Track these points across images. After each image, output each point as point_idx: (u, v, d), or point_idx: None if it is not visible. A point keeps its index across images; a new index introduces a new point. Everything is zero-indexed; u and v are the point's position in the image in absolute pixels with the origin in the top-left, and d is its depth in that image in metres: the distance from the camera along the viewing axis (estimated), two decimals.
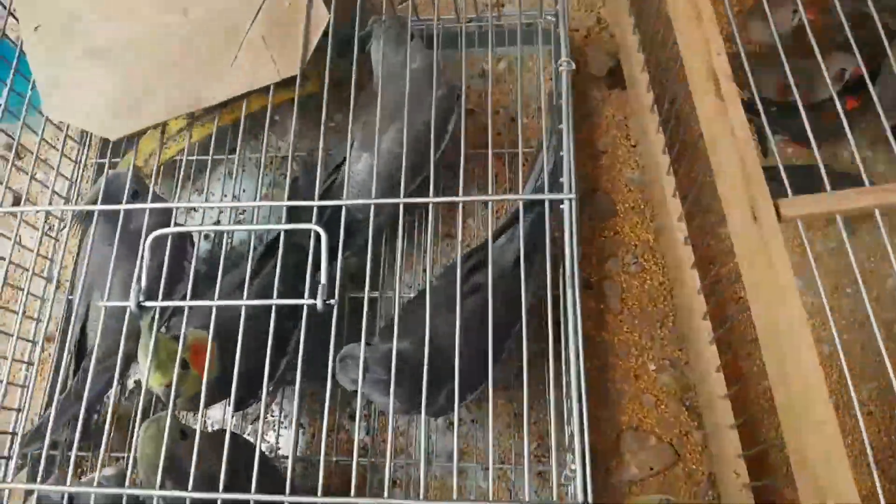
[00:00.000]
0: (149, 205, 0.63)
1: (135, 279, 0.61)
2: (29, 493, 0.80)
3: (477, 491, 0.79)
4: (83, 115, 0.65)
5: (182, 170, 0.80)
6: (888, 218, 0.54)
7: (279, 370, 0.74)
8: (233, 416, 0.83)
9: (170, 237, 0.72)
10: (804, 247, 0.53)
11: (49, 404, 0.83)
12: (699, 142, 0.68)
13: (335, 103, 0.99)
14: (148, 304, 0.59)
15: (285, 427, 0.85)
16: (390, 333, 0.68)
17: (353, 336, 0.83)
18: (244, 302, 0.59)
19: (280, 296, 0.61)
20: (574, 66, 0.64)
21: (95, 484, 0.54)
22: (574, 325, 0.55)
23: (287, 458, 0.79)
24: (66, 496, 0.57)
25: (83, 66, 0.67)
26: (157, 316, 0.62)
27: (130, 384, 0.87)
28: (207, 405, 0.75)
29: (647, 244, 0.89)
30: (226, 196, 0.97)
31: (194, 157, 0.92)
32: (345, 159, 0.81)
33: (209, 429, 0.84)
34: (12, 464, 0.74)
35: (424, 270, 0.89)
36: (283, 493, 0.50)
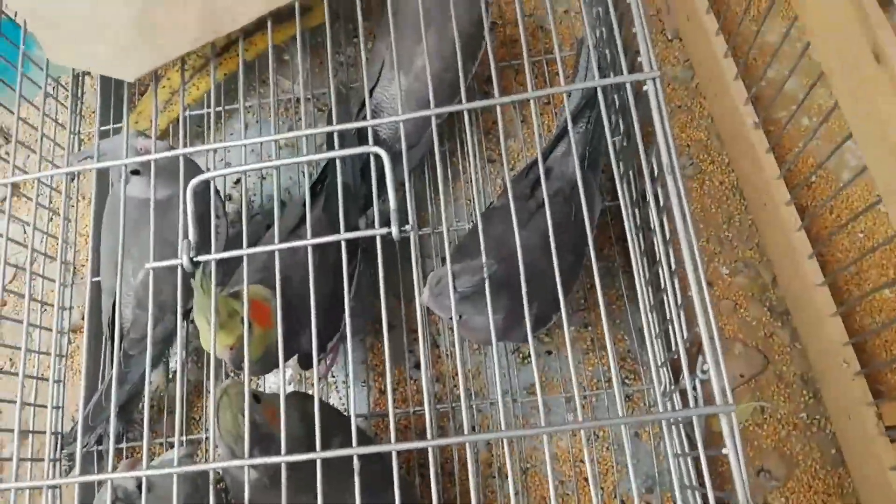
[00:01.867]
0: (181, 150, 0.56)
1: (180, 234, 0.54)
2: (86, 489, 0.74)
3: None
4: (92, 56, 0.57)
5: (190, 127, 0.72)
6: None
7: (343, 320, 0.68)
8: (298, 377, 0.77)
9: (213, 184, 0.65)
10: None
11: (90, 397, 0.76)
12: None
13: (345, 36, 0.92)
14: (201, 258, 0.52)
15: (346, 385, 0.79)
16: (463, 255, 0.62)
17: (407, 277, 0.78)
18: (308, 242, 0.52)
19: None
20: None
21: (176, 464, 0.48)
22: (685, 225, 0.48)
23: (360, 416, 0.74)
24: (143, 482, 0.50)
25: None
26: (213, 271, 0.55)
27: (172, 365, 0.80)
28: (278, 365, 0.69)
29: (701, 143, 0.84)
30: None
31: (205, 111, 0.84)
32: (376, 85, 0.74)
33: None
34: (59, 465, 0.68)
35: (469, 201, 0.83)
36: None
